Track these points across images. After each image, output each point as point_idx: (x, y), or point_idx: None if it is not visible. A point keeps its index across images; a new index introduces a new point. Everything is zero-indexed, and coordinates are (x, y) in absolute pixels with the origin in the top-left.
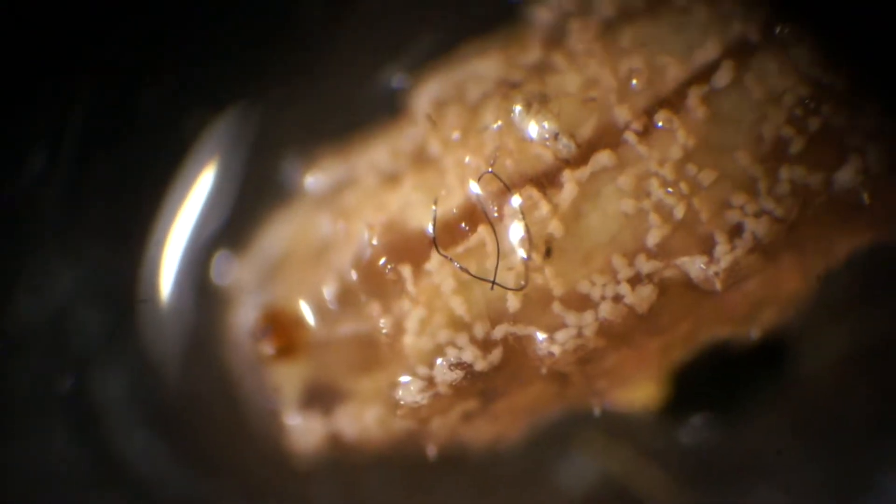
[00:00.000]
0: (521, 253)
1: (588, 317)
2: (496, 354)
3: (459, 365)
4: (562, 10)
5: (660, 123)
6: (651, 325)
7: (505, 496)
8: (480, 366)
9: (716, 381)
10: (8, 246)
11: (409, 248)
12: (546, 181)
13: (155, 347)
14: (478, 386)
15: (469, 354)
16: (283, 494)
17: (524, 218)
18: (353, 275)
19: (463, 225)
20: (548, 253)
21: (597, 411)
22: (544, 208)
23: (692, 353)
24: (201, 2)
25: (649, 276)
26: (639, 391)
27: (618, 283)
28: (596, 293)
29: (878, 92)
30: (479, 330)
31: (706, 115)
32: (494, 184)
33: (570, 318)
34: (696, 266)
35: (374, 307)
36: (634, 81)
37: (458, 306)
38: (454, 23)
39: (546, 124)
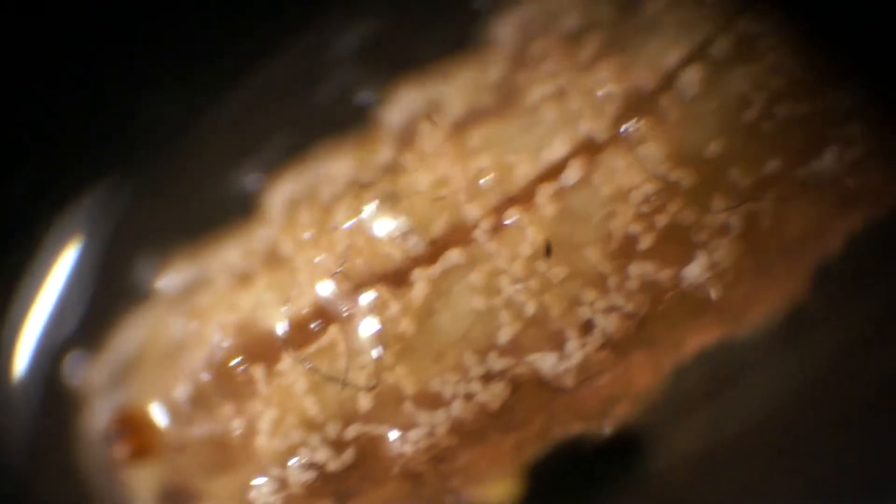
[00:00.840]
0: (373, 352)
1: (440, 415)
2: (349, 454)
3: (312, 465)
4: (411, 112)
5: (510, 221)
6: (504, 421)
7: None
8: (333, 466)
9: (570, 476)
10: None
11: (262, 349)
12: (397, 280)
13: (1, 450)
14: (331, 486)
15: (322, 454)
16: None
17: (375, 317)
18: (206, 376)
19: (315, 324)
20: (548, 252)
21: None
22: (395, 307)
23: (546, 448)
24: (56, 100)
25: (501, 374)
26: (494, 488)
27: (469, 380)
28: (448, 391)
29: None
30: (332, 430)
31: (555, 212)
32: (346, 283)
33: (422, 416)
34: (547, 363)
35: (228, 408)
36: (484, 180)
37: (311, 406)
38: (306, 124)
39: (396, 223)
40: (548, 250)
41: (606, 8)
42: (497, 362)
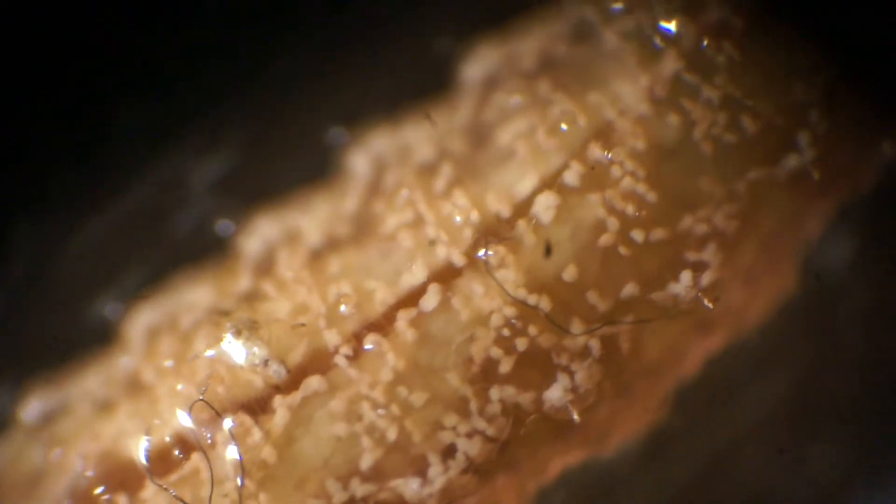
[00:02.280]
0: (237, 480)
1: None
2: None
3: None
4: (269, 241)
5: (370, 347)
6: None
7: None
8: None
9: None
10: None
11: (125, 478)
12: (258, 407)
13: None
14: None
15: None
16: None
17: (237, 445)
18: None
19: (177, 452)
20: (548, 251)
21: None
22: (257, 434)
23: None
24: None
25: (364, 500)
26: None
27: None
28: None
29: None
30: None
31: (415, 337)
32: (207, 411)
33: None
34: (410, 488)
35: None
36: (343, 306)
37: None
38: (166, 253)
39: (256, 351)
40: (548, 250)
41: (458, 140)
42: (360, 488)
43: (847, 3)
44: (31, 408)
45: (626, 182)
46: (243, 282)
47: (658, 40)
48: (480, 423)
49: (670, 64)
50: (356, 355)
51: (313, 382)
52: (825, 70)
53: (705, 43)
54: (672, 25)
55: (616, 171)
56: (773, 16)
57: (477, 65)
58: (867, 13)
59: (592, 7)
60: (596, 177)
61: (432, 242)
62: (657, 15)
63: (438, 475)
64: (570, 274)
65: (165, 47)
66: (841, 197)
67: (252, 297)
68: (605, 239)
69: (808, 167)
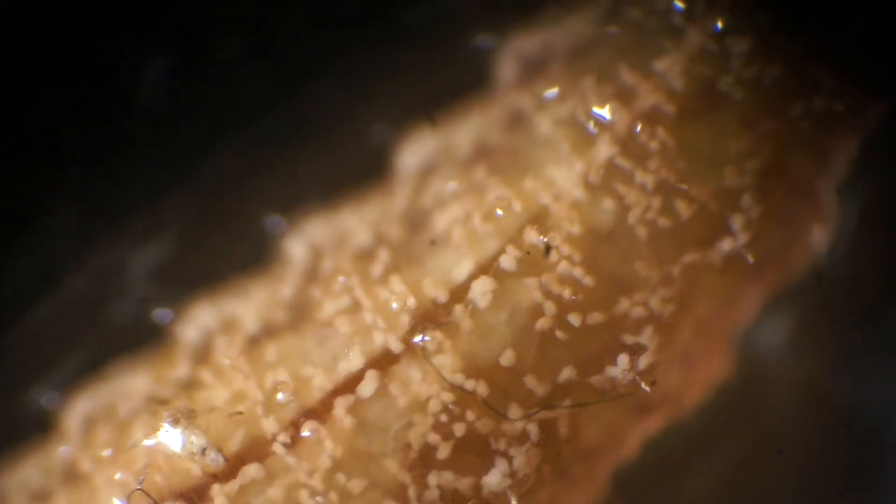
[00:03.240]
0: None
1: None
2: None
3: None
4: (207, 328)
5: (307, 434)
6: None
7: None
8: None
9: None
10: None
11: None
12: (196, 496)
13: None
14: None
15: None
16: None
17: None
18: None
19: None
20: (548, 251)
21: None
22: None
23: None
24: None
25: None
26: None
27: None
28: None
29: None
30: None
31: (353, 424)
32: (145, 500)
33: None
34: None
35: None
36: (281, 394)
37: None
38: (103, 341)
39: (194, 439)
40: (548, 250)
41: (395, 226)
42: None
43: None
44: None
45: (563, 266)
46: (181, 370)
47: (592, 126)
48: None
49: (604, 149)
50: (294, 443)
51: (251, 470)
52: (758, 155)
53: (638, 128)
54: (605, 111)
55: (552, 255)
56: (706, 102)
57: (413, 152)
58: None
59: (526, 94)
60: (532, 261)
61: (370, 328)
62: (590, 101)
63: None
64: (507, 358)
65: (105, 137)
66: (775, 280)
67: (190, 385)
68: (542, 323)
69: (741, 251)
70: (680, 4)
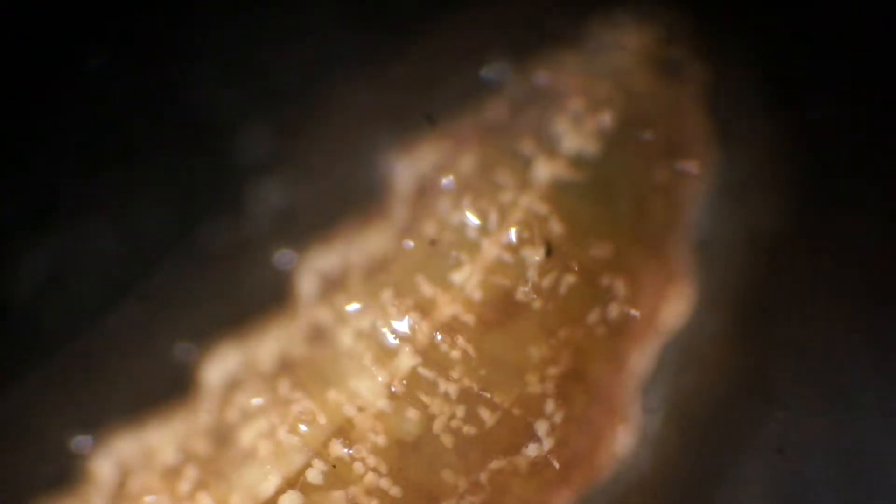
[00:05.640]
0: None
1: None
2: None
3: None
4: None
5: None
6: None
7: None
8: None
9: None
10: None
11: None
12: None
13: None
14: None
15: None
16: None
17: None
18: None
19: None
20: (548, 252)
21: None
22: None
23: None
24: None
25: None
26: None
27: None
28: None
29: None
30: None
31: None
32: None
33: None
34: None
35: None
36: None
37: None
38: None
39: None
40: (548, 251)
41: (202, 441)
42: None
43: None
44: None
45: (370, 477)
46: None
47: (393, 338)
48: None
49: (406, 360)
50: None
51: None
52: (557, 362)
53: (439, 338)
54: (405, 323)
55: (359, 467)
56: (504, 311)
57: (217, 367)
58: None
59: (327, 309)
60: (339, 474)
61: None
62: (390, 314)
63: None
64: None
65: None
66: (581, 484)
67: None
68: None
69: (547, 456)
70: (474, 219)
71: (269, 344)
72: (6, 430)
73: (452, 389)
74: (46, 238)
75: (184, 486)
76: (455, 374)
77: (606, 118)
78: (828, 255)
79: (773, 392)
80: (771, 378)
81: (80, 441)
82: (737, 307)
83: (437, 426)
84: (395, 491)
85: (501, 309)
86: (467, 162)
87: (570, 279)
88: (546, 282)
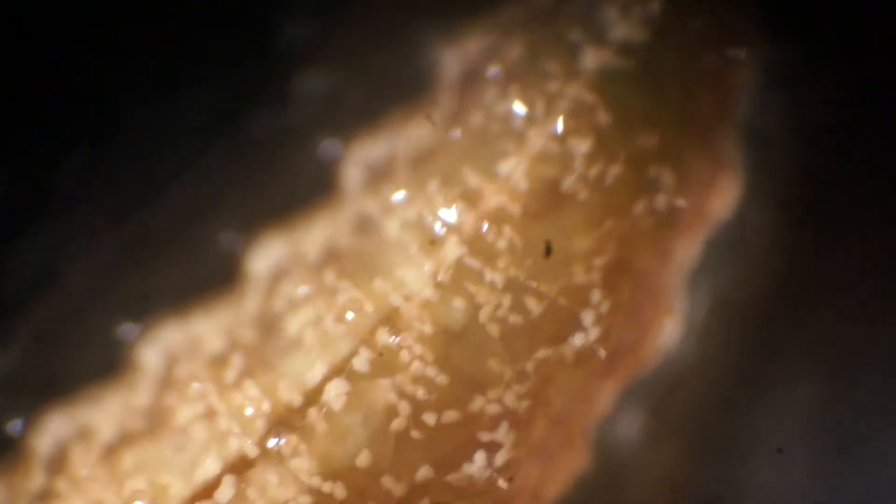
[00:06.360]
0: None
1: None
2: None
3: None
4: (61, 437)
5: None
6: None
7: None
8: None
9: None
10: None
11: None
12: None
13: None
14: None
15: None
16: None
17: None
18: None
19: None
20: (548, 252)
21: None
22: None
23: None
24: None
25: None
26: None
27: None
28: None
29: None
30: None
31: None
32: None
33: None
34: None
35: None
36: (139, 502)
37: None
38: None
39: None
40: (548, 250)
41: (248, 330)
42: None
43: None
44: None
45: (416, 366)
46: (37, 480)
47: (439, 227)
48: None
49: (452, 250)
50: None
51: None
52: (603, 253)
53: (485, 228)
54: (452, 213)
55: (405, 355)
56: (550, 202)
57: (263, 257)
58: None
59: (373, 199)
60: (385, 362)
61: (225, 434)
62: (437, 204)
63: None
64: (363, 460)
65: None
66: (627, 374)
67: (45, 496)
68: (397, 423)
69: (593, 346)
70: (520, 109)
71: (315, 234)
72: (53, 320)
73: (498, 279)
74: (93, 131)
75: (230, 374)
76: (501, 264)
77: (654, 5)
78: (880, 148)
79: (821, 287)
80: (815, 274)
81: (126, 330)
82: (784, 200)
83: (484, 315)
84: (441, 379)
85: (547, 199)
86: (514, 51)
87: (616, 169)
88: (592, 172)
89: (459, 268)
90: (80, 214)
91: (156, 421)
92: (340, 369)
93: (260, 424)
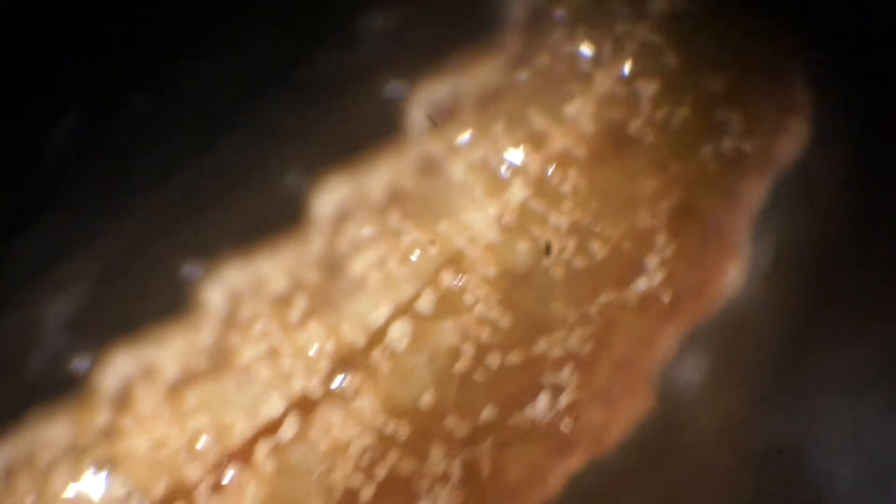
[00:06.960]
0: None
1: None
2: None
3: None
4: (126, 376)
5: (230, 479)
6: None
7: None
8: None
9: None
10: None
11: None
12: None
13: None
14: None
15: None
16: None
17: None
18: None
19: None
20: (548, 251)
21: None
22: None
23: None
24: None
25: None
26: None
27: None
28: None
29: None
30: None
31: (275, 467)
32: None
33: None
34: None
35: None
36: (202, 439)
37: None
38: (20, 392)
39: (117, 486)
40: (548, 250)
41: (312, 271)
42: None
43: None
44: None
45: (480, 308)
46: (101, 418)
47: (504, 170)
48: None
49: (517, 192)
50: (217, 488)
51: None
52: (669, 197)
53: (551, 171)
54: (517, 155)
55: (469, 297)
56: (616, 145)
57: (327, 198)
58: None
59: (438, 140)
60: (449, 304)
61: (288, 373)
62: (502, 146)
63: None
64: (426, 400)
65: (16, 189)
66: (690, 319)
67: (111, 433)
68: (461, 364)
69: (657, 290)
70: (587, 50)
71: (380, 175)
72: (118, 259)
73: (563, 222)
74: (157, 74)
75: (294, 314)
76: (566, 207)
77: None
78: None
79: (888, 230)
80: (883, 218)
81: (190, 269)
82: (853, 143)
83: (548, 258)
84: (504, 321)
85: (613, 142)
86: None
87: (683, 112)
88: (659, 115)
89: (524, 210)
90: (147, 155)
91: (219, 360)
92: (404, 310)
93: (323, 364)
